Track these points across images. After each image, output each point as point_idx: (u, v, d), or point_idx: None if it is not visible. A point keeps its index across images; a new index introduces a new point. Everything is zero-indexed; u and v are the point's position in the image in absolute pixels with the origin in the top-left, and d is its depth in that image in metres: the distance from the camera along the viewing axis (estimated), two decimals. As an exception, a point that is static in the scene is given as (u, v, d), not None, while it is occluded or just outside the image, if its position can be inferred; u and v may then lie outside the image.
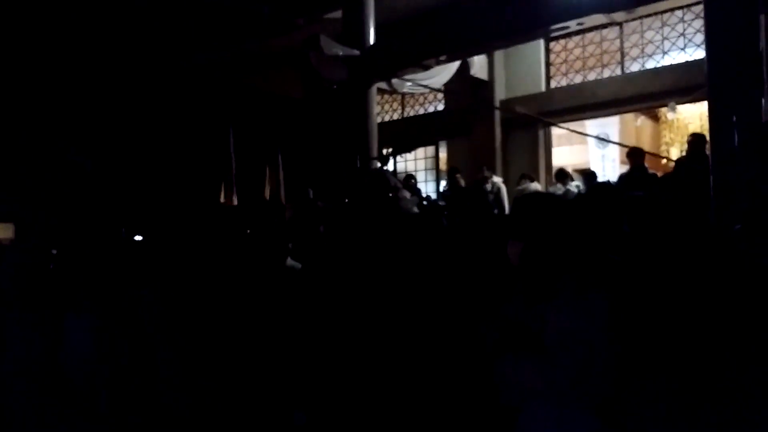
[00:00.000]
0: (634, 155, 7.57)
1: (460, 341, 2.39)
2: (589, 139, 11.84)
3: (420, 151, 13.29)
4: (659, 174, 8.13)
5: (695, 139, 6.94)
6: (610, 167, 11.18)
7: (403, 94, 12.72)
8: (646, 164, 7.55)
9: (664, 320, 1.86)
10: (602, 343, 1.74)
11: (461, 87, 11.51)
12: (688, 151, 6.96)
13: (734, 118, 5.20)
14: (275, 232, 3.73)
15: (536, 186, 9.81)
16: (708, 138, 6.45)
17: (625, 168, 8.92)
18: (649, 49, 10.63)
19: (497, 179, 9.80)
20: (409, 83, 9.89)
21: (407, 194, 8.58)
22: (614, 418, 1.80)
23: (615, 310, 1.76)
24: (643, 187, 4.49)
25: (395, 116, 13.97)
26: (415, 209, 5.95)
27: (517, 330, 1.88)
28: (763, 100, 5.25)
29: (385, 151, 12.25)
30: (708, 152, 6.54)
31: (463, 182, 10.09)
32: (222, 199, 10.13)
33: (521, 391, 1.88)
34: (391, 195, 7.43)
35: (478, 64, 11.18)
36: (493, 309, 2.01)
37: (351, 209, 5.85)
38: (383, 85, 9.59)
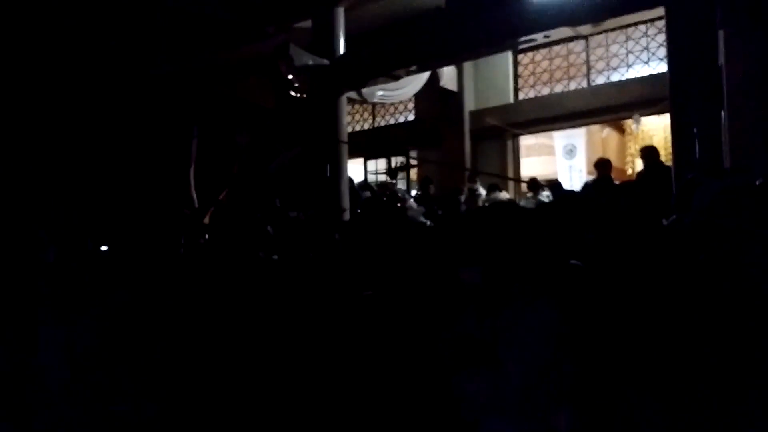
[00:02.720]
0: (602, 166, 7.76)
1: (421, 355, 2.38)
2: (556, 149, 12.02)
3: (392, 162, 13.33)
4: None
5: (647, 152, 7.12)
6: (577, 178, 11.36)
7: (374, 104, 12.76)
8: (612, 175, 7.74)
9: (624, 327, 1.87)
10: (552, 353, 1.73)
11: (431, 98, 11.61)
12: (644, 164, 7.12)
13: (695, 130, 5.36)
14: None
15: (505, 196, 9.89)
16: (658, 148, 6.72)
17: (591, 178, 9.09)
18: (614, 63, 10.87)
19: (483, 190, 9.80)
20: (379, 93, 9.93)
21: (414, 204, 8.70)
22: (567, 428, 1.77)
23: (565, 319, 1.74)
24: (605, 195, 4.58)
25: (366, 126, 13.99)
26: (422, 218, 5.98)
27: (471, 344, 1.86)
28: (722, 113, 5.41)
29: (393, 164, 12.37)
30: (665, 161, 6.75)
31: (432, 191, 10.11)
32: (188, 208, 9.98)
33: (477, 406, 1.85)
34: (399, 205, 7.51)
35: (448, 75, 11.27)
36: (449, 322, 1.98)
37: (363, 219, 5.86)
38: (353, 94, 9.61)
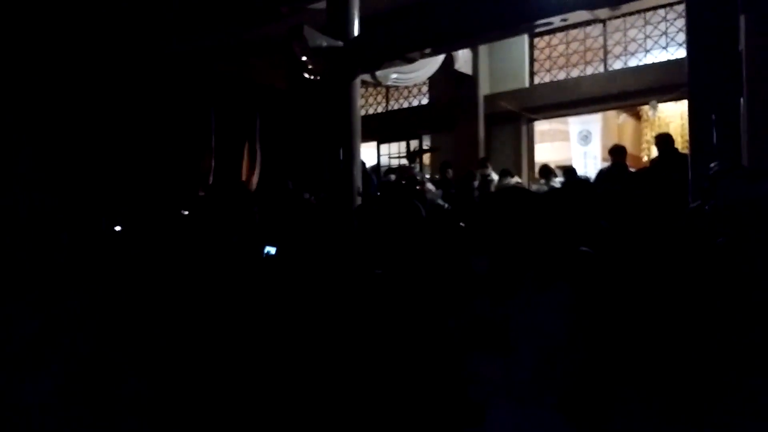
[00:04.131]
0: (616, 152, 7.68)
1: (431, 335, 2.38)
2: (571, 135, 11.92)
3: (403, 145, 13.30)
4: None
5: (662, 139, 6.96)
6: (592, 164, 11.26)
7: (388, 87, 12.70)
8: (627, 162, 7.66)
9: (636, 315, 1.86)
10: (564, 337, 1.72)
11: (445, 81, 11.53)
12: (658, 151, 7.01)
13: (713, 117, 5.27)
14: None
15: (517, 181, 9.82)
16: (675, 136, 6.55)
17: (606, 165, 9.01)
18: (631, 47, 10.71)
19: (495, 176, 9.73)
20: (393, 75, 9.86)
21: (432, 187, 8.72)
22: (578, 414, 1.77)
23: (578, 304, 1.74)
24: (619, 182, 4.53)
25: (379, 109, 13.94)
26: (440, 201, 5.98)
27: (484, 326, 1.87)
28: (741, 100, 5.33)
29: (412, 148, 12.36)
30: (681, 149, 6.63)
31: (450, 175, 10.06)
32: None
33: (487, 387, 1.86)
34: (418, 188, 7.53)
35: (463, 59, 11.18)
36: (461, 304, 1.99)
37: (382, 203, 5.88)
38: (367, 77, 9.56)
